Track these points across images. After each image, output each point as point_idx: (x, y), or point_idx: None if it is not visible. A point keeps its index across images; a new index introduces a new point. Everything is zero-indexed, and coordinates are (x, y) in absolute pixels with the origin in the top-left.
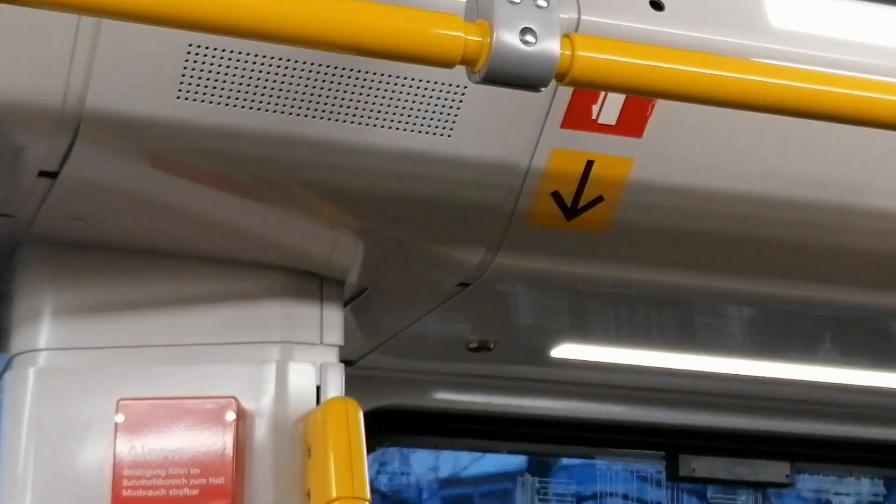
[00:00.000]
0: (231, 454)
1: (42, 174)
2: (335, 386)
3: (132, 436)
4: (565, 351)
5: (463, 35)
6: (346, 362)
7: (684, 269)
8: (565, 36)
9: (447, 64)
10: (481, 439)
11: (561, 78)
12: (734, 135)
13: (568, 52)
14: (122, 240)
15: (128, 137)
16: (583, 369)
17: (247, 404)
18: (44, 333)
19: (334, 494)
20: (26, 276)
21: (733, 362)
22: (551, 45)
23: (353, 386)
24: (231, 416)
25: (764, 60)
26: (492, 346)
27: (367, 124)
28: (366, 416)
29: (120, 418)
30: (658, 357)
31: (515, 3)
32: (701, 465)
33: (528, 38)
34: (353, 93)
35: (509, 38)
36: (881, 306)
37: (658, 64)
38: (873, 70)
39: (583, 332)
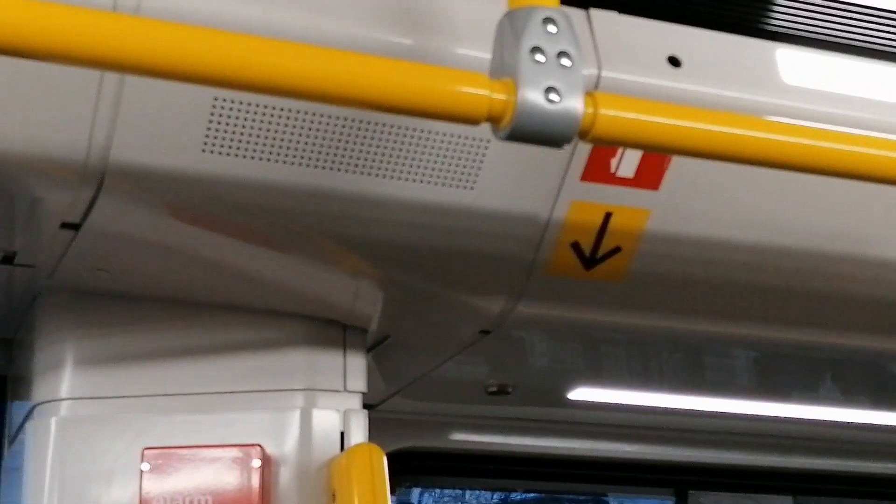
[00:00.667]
0: (257, 501)
1: (64, 225)
2: (359, 432)
3: (158, 484)
4: (581, 393)
5: (488, 93)
6: (368, 406)
7: (696, 316)
8: (588, 94)
9: (472, 121)
10: (499, 478)
11: (584, 135)
12: (746, 188)
13: (591, 111)
14: (145, 289)
15: (152, 190)
16: (597, 410)
17: (271, 451)
18: (65, 383)
19: None
20: (47, 325)
21: (740, 402)
22: (575, 104)
23: (375, 428)
24: (256, 463)
25: (778, 117)
26: (510, 390)
27: (392, 177)
28: (387, 457)
29: (145, 467)
30: (669, 398)
31: (540, 62)
32: (709, 501)
33: (553, 96)
34: (377, 146)
35: (534, 96)
36: (882, 350)
37: (676, 122)
38: (888, 127)
39: (598, 376)
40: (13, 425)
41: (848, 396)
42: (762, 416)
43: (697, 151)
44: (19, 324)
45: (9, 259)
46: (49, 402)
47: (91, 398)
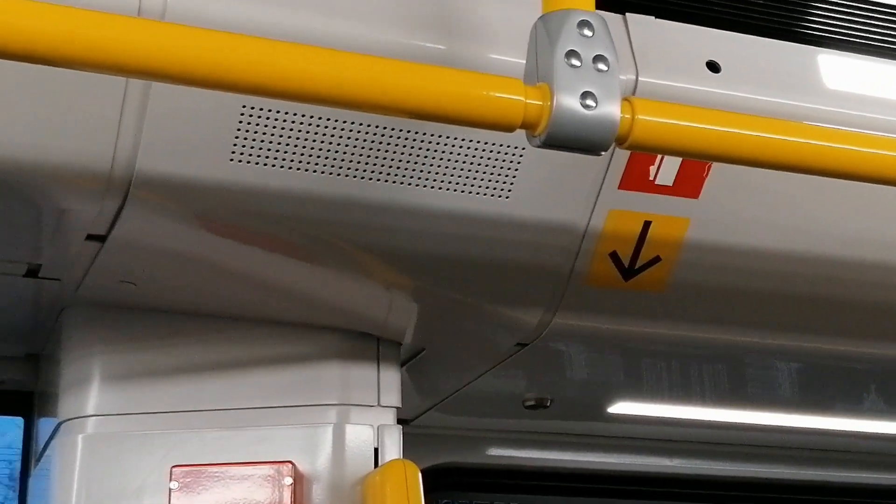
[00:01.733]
0: None
1: (90, 237)
2: (393, 447)
3: (187, 503)
4: (622, 407)
5: (523, 99)
6: (403, 421)
7: (738, 327)
8: (625, 99)
9: (507, 128)
10: (538, 495)
11: (621, 142)
12: (788, 195)
13: (628, 116)
14: (173, 302)
15: (179, 200)
16: (638, 424)
17: (304, 468)
18: (92, 399)
19: None
20: (74, 340)
21: (782, 415)
22: (612, 109)
23: (410, 444)
24: (288, 480)
25: (819, 122)
26: (549, 404)
27: (425, 186)
28: (423, 473)
29: (174, 485)
30: (710, 412)
31: (576, 66)
32: None
33: (589, 101)
34: (410, 154)
35: (570, 101)
36: None
37: (717, 128)
38: None
39: (638, 389)
40: (40, 442)
41: (894, 408)
42: (805, 428)
43: (738, 158)
44: (46, 339)
45: (34, 272)
46: (76, 418)
47: (118, 415)
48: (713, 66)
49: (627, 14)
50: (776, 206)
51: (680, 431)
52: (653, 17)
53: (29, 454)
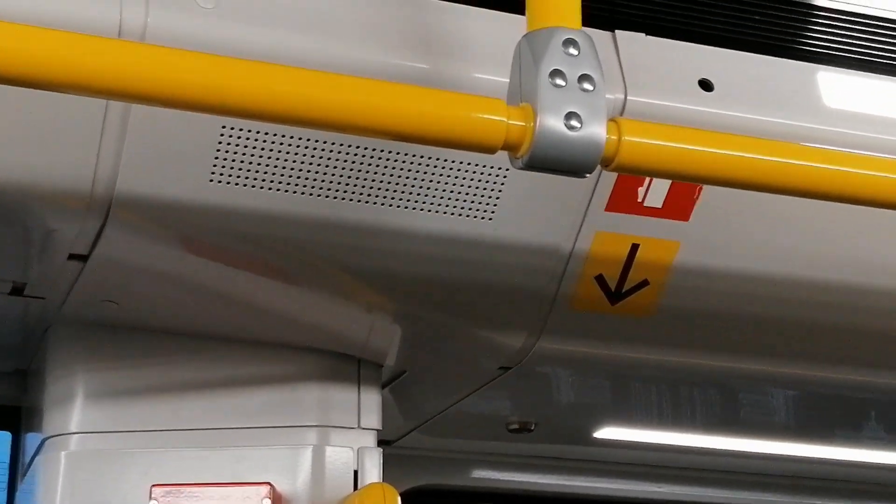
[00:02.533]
0: None
1: (72, 257)
2: (373, 470)
3: None
4: (608, 432)
5: (506, 120)
6: (385, 442)
7: (728, 353)
8: (612, 120)
9: (488, 149)
10: None
11: (607, 163)
12: (782, 218)
13: (614, 138)
14: (155, 322)
15: (160, 220)
16: (625, 449)
17: (282, 489)
18: (75, 416)
19: None
20: (58, 357)
21: (773, 443)
22: (597, 130)
23: (392, 465)
24: (266, 502)
25: (816, 142)
26: (533, 427)
27: (407, 207)
28: (404, 495)
29: None
30: (699, 438)
31: (560, 86)
32: None
33: (574, 122)
34: (391, 175)
35: (553, 122)
36: None
37: (708, 149)
38: None
39: (625, 414)
40: (26, 457)
41: (892, 437)
42: (797, 456)
43: (730, 180)
44: (33, 355)
45: (19, 290)
46: (59, 435)
47: (100, 432)
48: (705, 85)
49: (617, 31)
50: (769, 229)
51: (667, 457)
52: (643, 35)
53: (16, 469)
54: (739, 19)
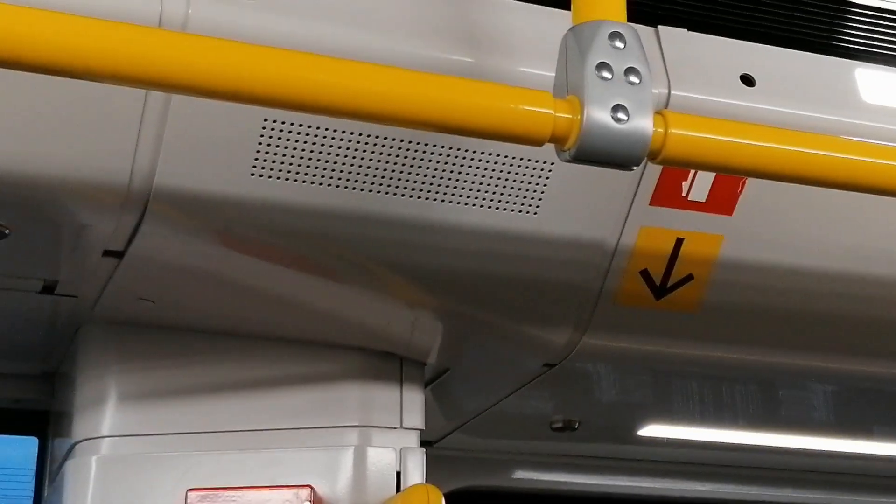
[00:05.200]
0: None
1: (107, 253)
2: (416, 471)
3: None
4: (652, 430)
5: (553, 112)
6: (426, 443)
7: (773, 348)
8: (658, 113)
9: (536, 142)
10: None
11: (654, 156)
12: (825, 212)
13: (661, 130)
14: (191, 320)
15: (198, 216)
16: (668, 447)
17: (323, 492)
18: (107, 419)
19: None
20: (89, 358)
21: (817, 439)
22: (644, 123)
23: (434, 467)
24: None
25: (856, 137)
26: (576, 426)
27: (450, 202)
28: (447, 497)
29: None
30: (744, 435)
31: (607, 78)
32: None
33: (620, 115)
34: (435, 169)
35: (600, 115)
36: None
37: (752, 142)
38: None
39: (669, 411)
40: (55, 462)
41: None
42: (841, 453)
43: (773, 173)
44: (62, 357)
45: (50, 289)
46: (90, 439)
47: (133, 436)
48: (747, 80)
49: (660, 27)
50: (812, 222)
51: (712, 455)
52: (686, 30)
53: (43, 474)
54: (781, 16)
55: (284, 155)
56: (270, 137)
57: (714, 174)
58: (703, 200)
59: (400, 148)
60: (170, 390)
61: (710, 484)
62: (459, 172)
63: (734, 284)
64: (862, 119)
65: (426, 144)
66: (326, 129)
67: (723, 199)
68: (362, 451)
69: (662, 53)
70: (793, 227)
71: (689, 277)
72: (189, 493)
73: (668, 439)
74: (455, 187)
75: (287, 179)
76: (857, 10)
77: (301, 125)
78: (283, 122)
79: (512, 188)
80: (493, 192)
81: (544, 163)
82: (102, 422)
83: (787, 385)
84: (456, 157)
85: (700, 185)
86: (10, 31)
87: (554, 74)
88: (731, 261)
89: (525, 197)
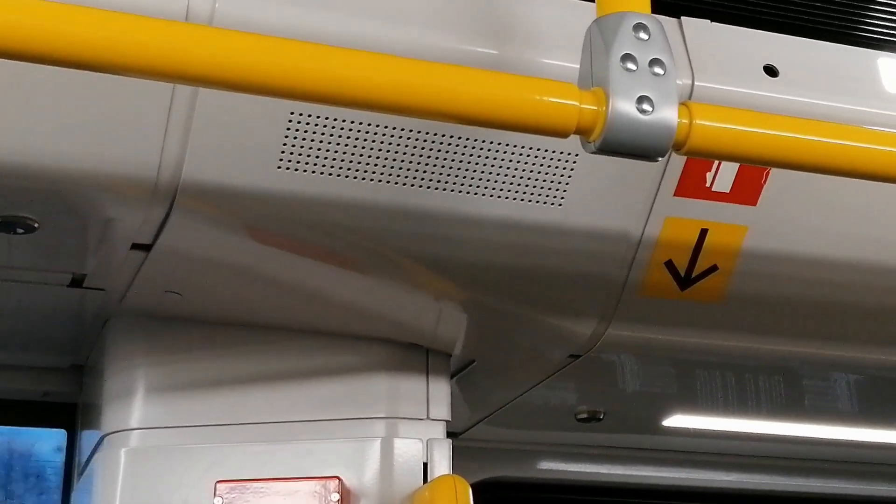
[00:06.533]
0: None
1: (135, 246)
2: (443, 462)
3: None
4: (677, 420)
5: (578, 104)
6: (452, 434)
7: (798, 338)
8: (682, 104)
9: (561, 133)
10: None
11: (679, 147)
12: (848, 201)
13: (686, 121)
14: (219, 313)
15: (226, 208)
16: (694, 437)
17: (351, 483)
18: (136, 412)
19: None
20: (117, 351)
21: (842, 429)
22: (669, 114)
23: (459, 458)
24: (335, 496)
25: (880, 126)
26: (601, 417)
27: (476, 194)
28: (473, 488)
29: (218, 501)
30: (768, 425)
31: (632, 70)
32: None
33: (645, 106)
34: (460, 161)
35: (626, 106)
36: None
37: (776, 132)
38: None
39: (694, 401)
40: (83, 454)
41: None
42: (866, 442)
43: (797, 163)
44: (90, 350)
45: (78, 282)
46: (119, 431)
47: (162, 428)
48: (770, 70)
49: (683, 18)
50: (836, 212)
51: (736, 445)
52: (708, 21)
53: (72, 467)
54: (803, 6)
55: (311, 148)
56: (297, 130)
57: (738, 165)
58: (728, 191)
59: (426, 140)
60: (197, 382)
61: (735, 474)
62: (484, 164)
63: (758, 274)
64: (886, 109)
65: (451, 136)
66: (352, 122)
67: (747, 190)
68: (389, 442)
69: (686, 44)
70: (816, 217)
71: (714, 268)
72: (218, 485)
73: (692, 429)
74: (480, 179)
75: (314, 172)
76: (880, 0)
77: (327, 118)
78: (310, 115)
79: (537, 180)
80: (518, 184)
81: (569, 154)
82: (131, 414)
83: (811, 374)
84: (481, 149)
85: (724, 176)
86: (40, 26)
87: (578, 65)
88: (756, 251)
89: (550, 188)
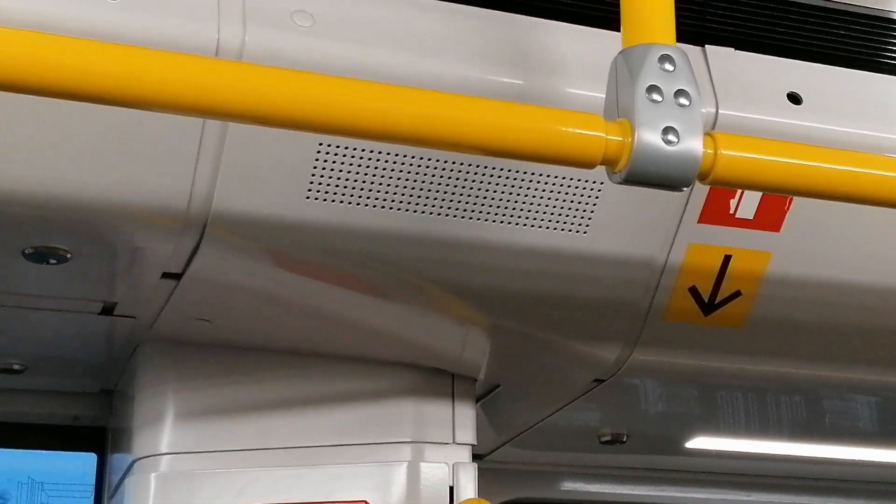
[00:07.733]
0: None
1: (166, 275)
2: (468, 485)
3: None
4: (700, 442)
5: (604, 135)
6: (476, 456)
7: (819, 362)
8: (707, 134)
9: (588, 164)
10: None
11: (703, 177)
12: (871, 228)
13: (711, 152)
14: (247, 339)
15: (255, 238)
16: (716, 458)
17: None
18: (166, 437)
19: None
20: (147, 377)
21: (863, 449)
22: (694, 145)
23: (484, 479)
24: None
25: None
26: (625, 439)
27: (502, 222)
28: None
29: None
30: (790, 446)
31: (657, 101)
32: None
33: (671, 137)
34: (486, 190)
35: (651, 137)
36: None
37: (801, 162)
38: None
39: (716, 424)
40: (114, 478)
41: None
42: (887, 463)
43: (822, 192)
44: (120, 375)
45: (109, 310)
46: (149, 456)
47: (192, 452)
48: (794, 98)
49: (707, 46)
50: (859, 238)
51: (758, 466)
52: (732, 49)
53: (102, 491)
54: (827, 33)
55: (339, 178)
56: (325, 161)
57: (761, 192)
58: (751, 218)
59: (451, 170)
60: (227, 407)
61: (757, 494)
62: (510, 193)
63: (781, 300)
64: None
65: (477, 166)
66: (380, 153)
67: (770, 216)
68: (416, 466)
69: (710, 72)
70: (840, 243)
71: (737, 293)
72: None
73: (715, 451)
74: (506, 208)
75: (342, 202)
76: None
77: (355, 149)
78: (338, 147)
79: (562, 208)
80: (544, 213)
81: (594, 183)
82: (161, 439)
83: (833, 396)
84: (507, 178)
85: (748, 203)
86: (75, 64)
87: (602, 95)
88: (779, 277)
89: (575, 217)
